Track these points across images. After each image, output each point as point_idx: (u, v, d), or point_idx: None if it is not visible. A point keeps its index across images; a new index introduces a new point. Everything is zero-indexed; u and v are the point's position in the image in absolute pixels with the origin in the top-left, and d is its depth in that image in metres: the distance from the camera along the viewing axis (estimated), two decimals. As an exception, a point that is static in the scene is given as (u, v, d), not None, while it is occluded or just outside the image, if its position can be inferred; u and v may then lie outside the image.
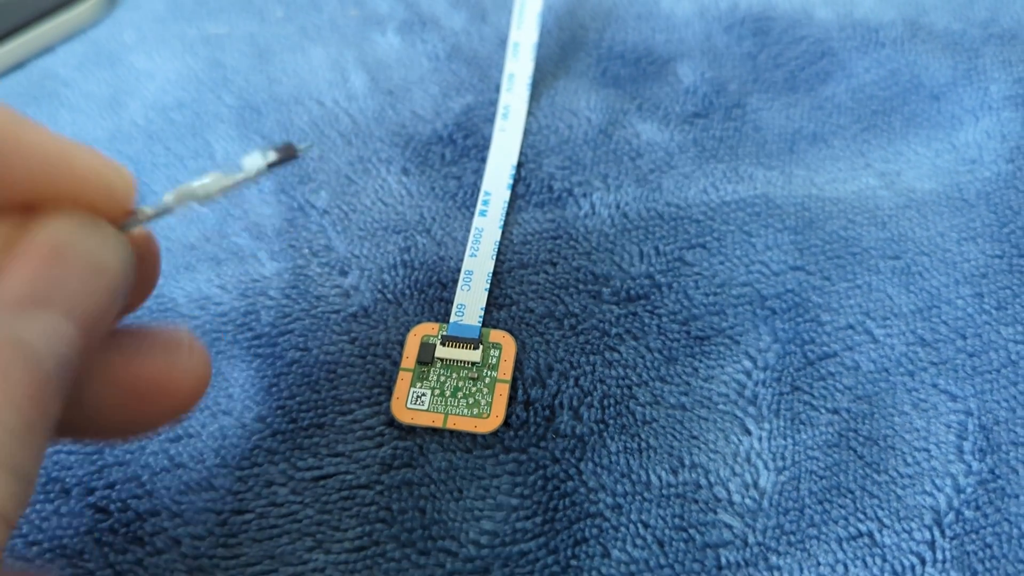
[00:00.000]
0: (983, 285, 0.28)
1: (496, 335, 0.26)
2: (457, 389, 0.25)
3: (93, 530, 0.23)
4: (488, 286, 0.27)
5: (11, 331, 0.15)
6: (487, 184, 0.30)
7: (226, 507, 0.24)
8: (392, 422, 0.25)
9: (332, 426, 0.25)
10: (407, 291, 0.28)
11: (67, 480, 0.24)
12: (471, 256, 0.28)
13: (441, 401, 0.25)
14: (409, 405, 0.25)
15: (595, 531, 0.23)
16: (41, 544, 0.23)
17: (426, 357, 0.26)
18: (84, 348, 0.16)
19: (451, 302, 0.27)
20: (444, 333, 0.26)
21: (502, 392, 0.25)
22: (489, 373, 0.26)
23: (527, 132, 0.32)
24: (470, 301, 0.27)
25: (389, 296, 0.27)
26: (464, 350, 0.26)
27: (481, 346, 0.26)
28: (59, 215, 0.16)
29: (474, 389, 0.25)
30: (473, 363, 0.26)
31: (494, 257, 0.28)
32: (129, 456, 0.24)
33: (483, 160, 0.31)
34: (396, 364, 0.26)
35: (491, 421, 0.25)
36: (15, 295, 0.15)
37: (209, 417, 0.25)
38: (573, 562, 0.23)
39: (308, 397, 0.26)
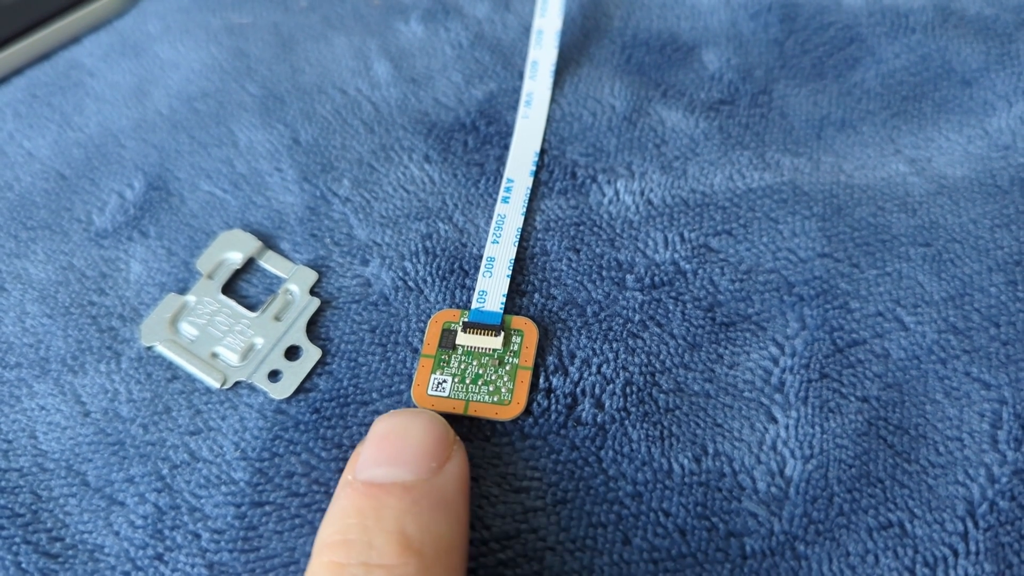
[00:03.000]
0: (1017, 272, 0.27)
1: (518, 322, 0.26)
2: (478, 376, 0.25)
3: (112, 524, 0.23)
4: (510, 272, 0.27)
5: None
6: (510, 171, 0.30)
7: (245, 500, 0.24)
8: (413, 411, 0.25)
9: (354, 416, 0.25)
10: (428, 279, 0.27)
11: (87, 473, 0.24)
12: (493, 242, 0.28)
13: (462, 388, 0.25)
14: (430, 392, 0.25)
15: (613, 517, 0.23)
16: (63, 540, 0.23)
17: (447, 344, 0.26)
18: None
19: (473, 289, 0.27)
20: (465, 319, 0.26)
21: (524, 379, 0.25)
22: (511, 360, 0.25)
23: (550, 119, 0.31)
24: (492, 288, 0.27)
25: (410, 284, 0.27)
26: (486, 337, 0.25)
27: (503, 333, 0.26)
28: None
29: (495, 376, 0.25)
30: (495, 350, 0.25)
31: (516, 244, 0.28)
32: (149, 449, 0.24)
33: (506, 148, 0.31)
34: (417, 352, 0.26)
35: (512, 408, 0.24)
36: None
37: (229, 409, 0.25)
38: (589, 542, 0.23)
39: (329, 387, 0.25)
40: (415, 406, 0.25)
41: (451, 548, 0.20)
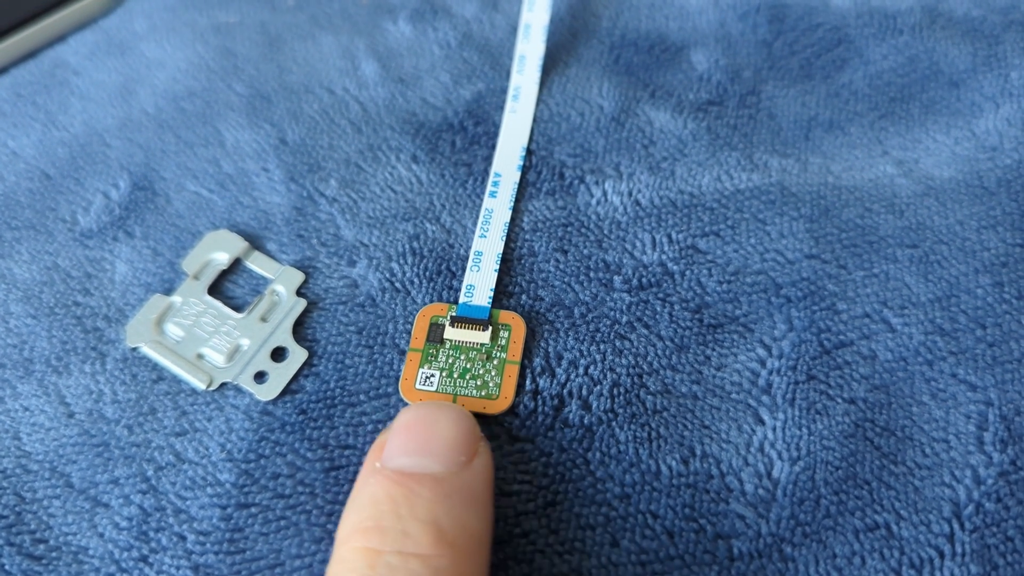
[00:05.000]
0: (1003, 274, 0.27)
1: (506, 316, 0.26)
2: (466, 370, 0.25)
3: (97, 526, 0.23)
4: (497, 267, 0.27)
5: None
6: (497, 165, 0.29)
7: (231, 501, 0.23)
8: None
9: (340, 418, 0.25)
10: (415, 280, 0.27)
11: (71, 474, 0.24)
12: (481, 237, 0.28)
13: (450, 382, 0.25)
14: (418, 386, 0.25)
15: (601, 519, 0.23)
16: (47, 541, 0.23)
17: (435, 338, 0.26)
18: None
19: (460, 289, 0.27)
20: (453, 314, 0.26)
21: (511, 373, 0.25)
22: (499, 355, 0.25)
23: (538, 119, 0.31)
24: (480, 282, 0.27)
25: (397, 285, 0.27)
26: (474, 331, 0.25)
27: (491, 327, 0.26)
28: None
29: (483, 370, 0.25)
30: (483, 344, 0.25)
31: (504, 238, 0.28)
32: (134, 451, 0.24)
33: (494, 147, 0.30)
34: (404, 354, 0.26)
35: (500, 402, 0.24)
36: None
37: (215, 411, 0.25)
38: (578, 544, 0.23)
39: (315, 388, 0.25)
40: (404, 403, 0.25)
41: (481, 543, 0.20)
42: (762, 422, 0.25)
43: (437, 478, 0.20)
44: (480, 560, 0.20)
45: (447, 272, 0.27)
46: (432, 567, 0.19)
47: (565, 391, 0.25)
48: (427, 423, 0.22)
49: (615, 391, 0.25)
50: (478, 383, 0.25)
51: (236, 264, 0.28)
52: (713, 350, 0.26)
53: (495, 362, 0.25)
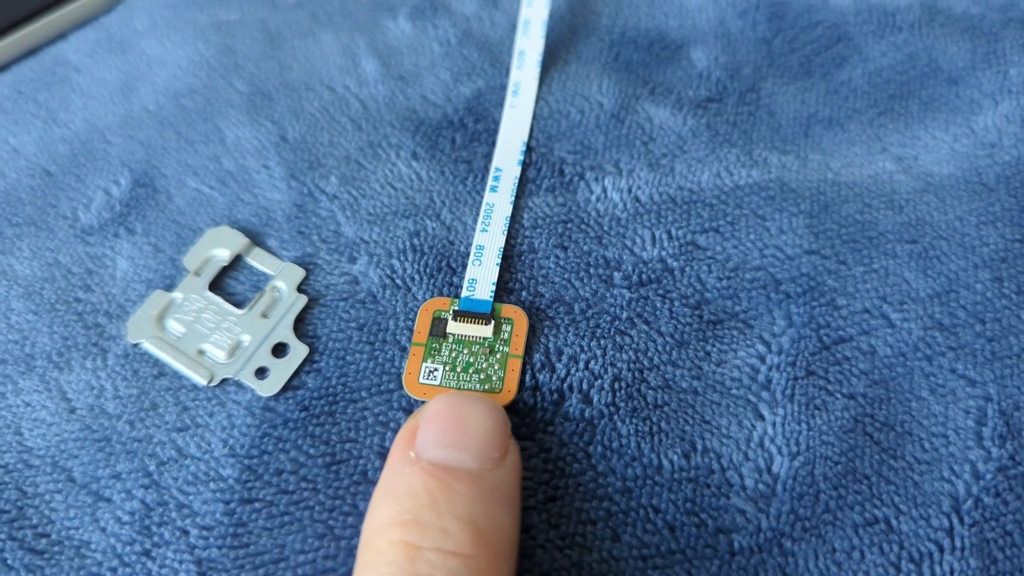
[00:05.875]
0: (1003, 269, 0.27)
1: (508, 310, 0.26)
2: (469, 364, 0.25)
3: (99, 520, 0.23)
4: (499, 260, 0.27)
5: None
6: (498, 160, 0.30)
7: (234, 496, 0.24)
8: (404, 410, 0.25)
9: (343, 415, 0.25)
10: (416, 276, 0.27)
11: (73, 469, 0.24)
12: (482, 231, 0.28)
13: (453, 376, 0.25)
14: (422, 380, 0.25)
15: (603, 514, 0.23)
16: (49, 536, 0.23)
17: (438, 332, 0.26)
18: None
19: (461, 287, 0.27)
20: (456, 308, 0.26)
21: (514, 367, 0.25)
22: (501, 348, 0.25)
23: (538, 116, 0.31)
24: (481, 276, 0.27)
25: (398, 282, 0.27)
26: (476, 325, 0.25)
27: (493, 321, 0.26)
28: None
29: (486, 364, 0.25)
30: (485, 338, 0.26)
31: (505, 232, 0.28)
32: (136, 446, 0.24)
33: (494, 144, 0.30)
34: (405, 351, 0.26)
35: (504, 396, 0.25)
36: None
37: (217, 406, 0.25)
38: (579, 539, 0.23)
39: (317, 385, 0.25)
40: (406, 398, 0.25)
41: (514, 544, 0.20)
42: (762, 418, 0.25)
43: (473, 475, 0.20)
44: (512, 562, 0.20)
45: (447, 269, 0.27)
46: (471, 568, 0.19)
47: (565, 385, 0.25)
48: (461, 415, 0.21)
49: (616, 385, 0.25)
50: (481, 377, 0.25)
51: (237, 260, 0.28)
52: (713, 346, 0.26)
53: (498, 356, 0.25)
